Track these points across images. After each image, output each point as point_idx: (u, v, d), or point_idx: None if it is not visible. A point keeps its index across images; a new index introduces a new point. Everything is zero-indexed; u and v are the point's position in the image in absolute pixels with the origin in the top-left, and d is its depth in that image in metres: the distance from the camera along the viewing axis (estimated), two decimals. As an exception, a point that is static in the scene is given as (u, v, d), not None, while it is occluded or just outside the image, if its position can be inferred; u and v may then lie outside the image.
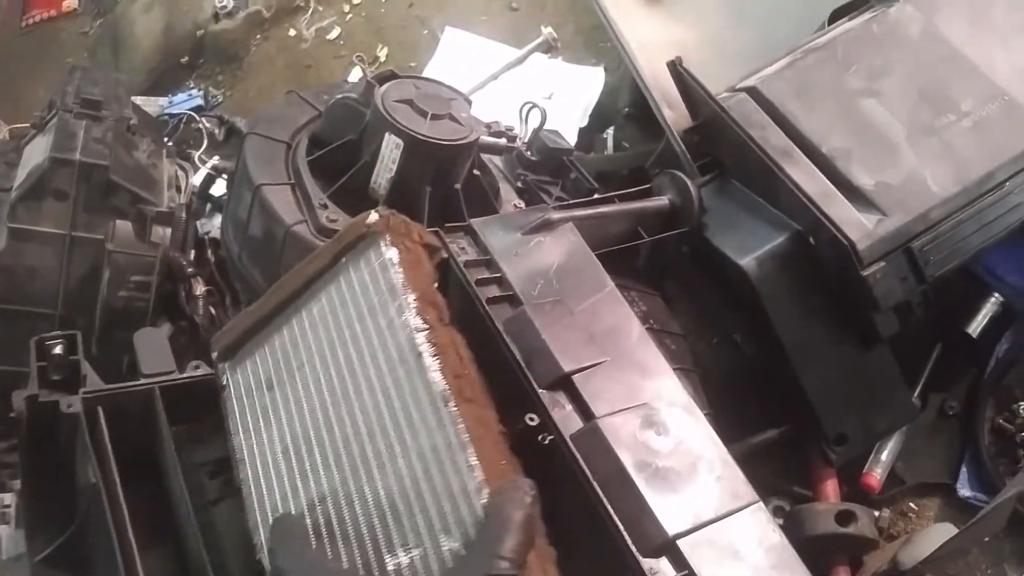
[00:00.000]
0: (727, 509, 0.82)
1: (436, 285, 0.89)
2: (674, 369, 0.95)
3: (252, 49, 2.45)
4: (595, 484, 0.81)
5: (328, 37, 2.40)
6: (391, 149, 1.34)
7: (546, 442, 0.85)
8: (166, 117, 2.31)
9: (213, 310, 1.64)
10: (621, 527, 0.78)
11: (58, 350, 0.98)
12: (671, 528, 0.78)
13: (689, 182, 1.30)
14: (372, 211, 0.91)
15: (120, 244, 1.54)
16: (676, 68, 1.36)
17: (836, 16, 1.47)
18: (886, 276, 1.19)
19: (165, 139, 2.04)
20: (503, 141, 1.56)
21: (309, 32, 2.42)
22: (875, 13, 1.41)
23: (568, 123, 1.90)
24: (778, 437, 1.32)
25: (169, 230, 1.61)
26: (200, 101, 2.37)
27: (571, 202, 1.25)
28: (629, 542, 0.78)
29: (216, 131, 2.23)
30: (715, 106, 1.31)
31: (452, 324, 0.86)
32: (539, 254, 1.03)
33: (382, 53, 2.32)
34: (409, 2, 2.37)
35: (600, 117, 1.98)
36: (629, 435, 0.84)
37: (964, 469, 1.42)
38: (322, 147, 1.44)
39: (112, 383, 1.01)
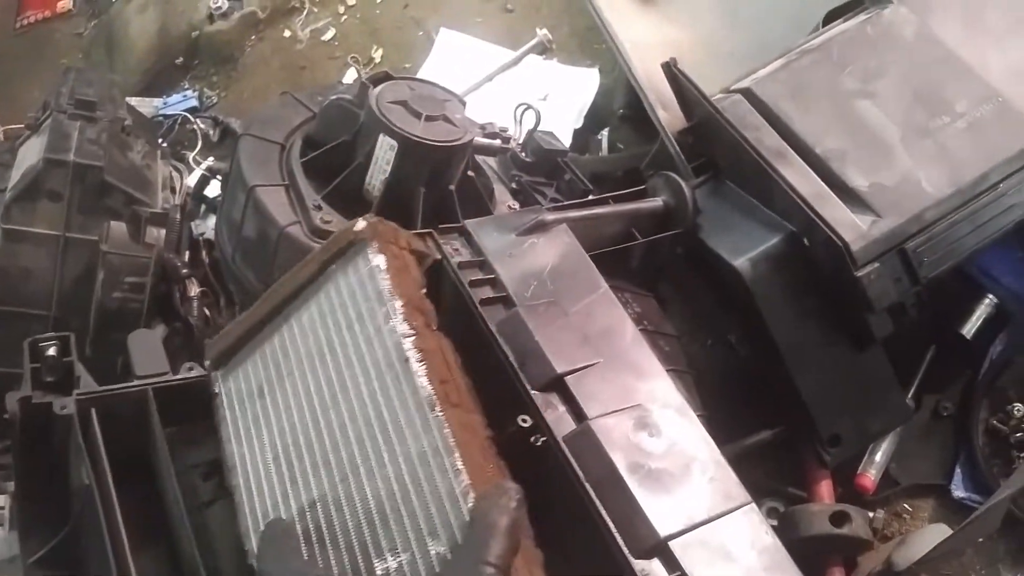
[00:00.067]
0: (720, 510, 0.82)
1: (424, 291, 0.89)
2: (668, 370, 0.95)
3: (247, 50, 2.45)
4: (587, 485, 0.81)
5: (323, 38, 2.39)
6: (385, 150, 1.34)
7: (539, 443, 0.85)
8: (161, 118, 2.31)
9: (207, 311, 1.64)
10: (613, 528, 0.78)
11: (52, 351, 0.98)
12: (663, 529, 0.78)
13: (683, 183, 1.30)
14: (360, 219, 0.91)
15: (114, 245, 1.55)
16: (670, 69, 1.36)
17: (830, 17, 1.47)
18: (880, 277, 1.19)
19: (159, 140, 2.04)
20: (497, 142, 1.56)
21: (304, 33, 2.41)
22: (869, 15, 1.41)
23: (563, 124, 1.90)
24: (772, 438, 1.32)
25: (163, 231, 1.61)
26: (195, 102, 2.38)
27: (565, 203, 1.25)
28: (621, 543, 0.78)
29: (211, 132, 2.23)
30: (709, 107, 1.31)
31: (440, 329, 0.86)
32: (533, 255, 1.03)
33: (377, 54, 2.32)
34: (404, 3, 2.37)
35: (595, 118, 1.97)
36: (622, 436, 0.84)
37: (958, 470, 1.42)
38: (316, 148, 1.44)
39: (106, 384, 1.00)
